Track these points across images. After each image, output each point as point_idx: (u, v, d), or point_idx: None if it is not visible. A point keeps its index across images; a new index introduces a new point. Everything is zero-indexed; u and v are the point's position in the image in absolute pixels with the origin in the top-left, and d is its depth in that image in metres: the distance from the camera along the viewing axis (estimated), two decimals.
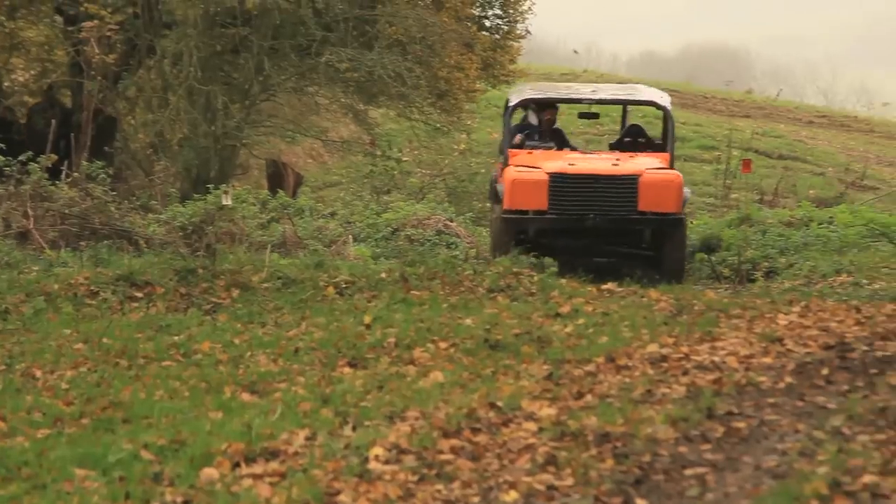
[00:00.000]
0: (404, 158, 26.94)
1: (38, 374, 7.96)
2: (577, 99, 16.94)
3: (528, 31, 28.71)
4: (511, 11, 28.16)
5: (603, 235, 14.48)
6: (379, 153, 25.49)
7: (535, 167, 14.72)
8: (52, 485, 5.77)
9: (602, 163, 15.05)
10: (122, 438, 6.40)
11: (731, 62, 58.60)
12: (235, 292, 10.61)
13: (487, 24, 28.55)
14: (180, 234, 15.20)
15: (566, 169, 14.58)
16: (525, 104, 16.35)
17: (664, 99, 16.43)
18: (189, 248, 12.54)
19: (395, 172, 26.28)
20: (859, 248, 17.42)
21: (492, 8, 28.42)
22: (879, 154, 35.54)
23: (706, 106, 41.19)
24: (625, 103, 17.85)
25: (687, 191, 14.86)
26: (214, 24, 23.72)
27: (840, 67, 56.89)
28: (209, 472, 5.96)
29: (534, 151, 15.36)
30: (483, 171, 30.87)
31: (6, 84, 22.87)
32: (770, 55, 63.68)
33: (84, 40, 22.34)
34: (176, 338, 9.11)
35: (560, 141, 16.10)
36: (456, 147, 30.32)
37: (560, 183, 14.38)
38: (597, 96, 16.90)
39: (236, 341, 9.06)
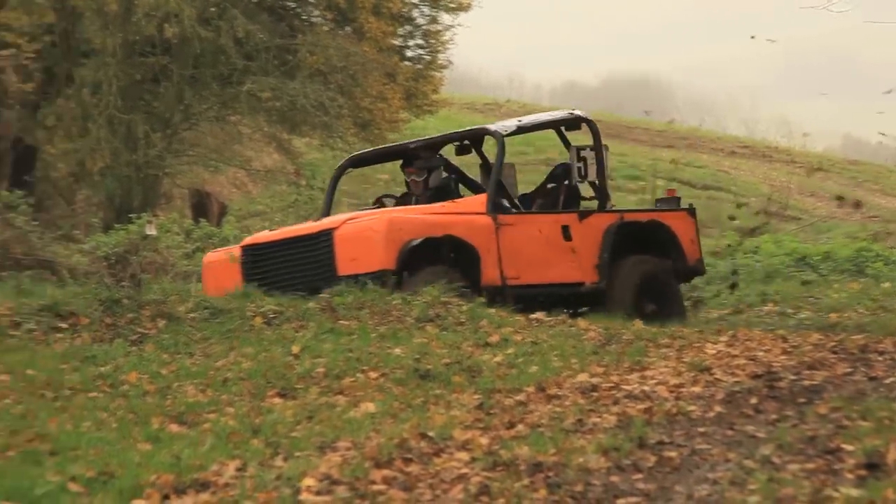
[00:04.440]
0: None
1: None
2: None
3: (449, 62, 28.84)
4: (433, 42, 28.28)
5: None
6: (303, 183, 25.46)
7: None
8: None
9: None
10: (49, 471, 6.30)
11: (653, 92, 59.08)
12: (162, 322, 10.50)
13: (409, 54, 28.66)
14: (104, 264, 15.08)
15: (259, 238, 13.13)
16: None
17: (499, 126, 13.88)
18: (113, 279, 12.40)
19: (320, 202, 26.26)
20: (784, 277, 17.60)
21: (413, 38, 28.52)
22: (800, 184, 35.94)
23: (630, 136, 41.49)
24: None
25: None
26: (134, 52, 23.64)
27: (760, 98, 57.57)
28: None
29: None
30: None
31: None
32: (691, 85, 64.35)
33: (1, 69, 22.14)
34: (102, 369, 8.99)
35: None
36: (381, 178, 30.34)
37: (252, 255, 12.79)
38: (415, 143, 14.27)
39: (163, 372, 8.96)
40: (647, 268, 13.52)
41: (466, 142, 14.39)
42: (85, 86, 23.88)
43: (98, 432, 7.30)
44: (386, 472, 6.39)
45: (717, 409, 7.70)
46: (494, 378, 8.77)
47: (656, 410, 7.59)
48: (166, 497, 6.01)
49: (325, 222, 12.84)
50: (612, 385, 8.43)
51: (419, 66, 28.77)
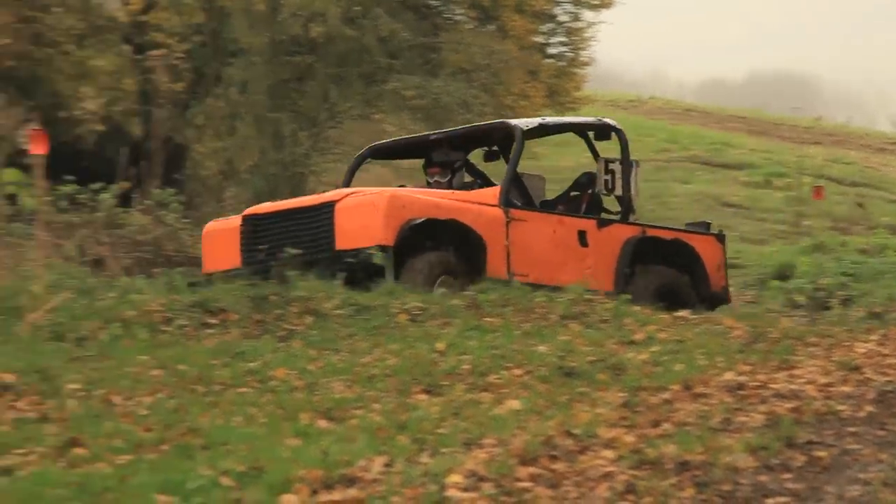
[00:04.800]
0: None
1: (117, 400, 7.99)
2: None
3: (592, 59, 28.78)
4: (575, 39, 28.24)
5: None
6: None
7: None
8: None
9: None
10: (201, 465, 6.40)
11: (800, 88, 58.23)
12: (309, 319, 10.61)
13: (552, 51, 28.65)
14: None
15: (260, 209, 12.98)
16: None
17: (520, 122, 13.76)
18: (261, 275, 12.53)
19: None
20: None
21: (556, 35, 28.51)
22: None
23: (775, 133, 41.02)
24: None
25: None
26: (280, 52, 23.95)
27: None
28: (289, 499, 5.94)
29: None
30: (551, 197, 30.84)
31: (76, 112, 23.11)
32: (839, 81, 63.31)
33: (152, 69, 22.60)
34: (251, 364, 9.10)
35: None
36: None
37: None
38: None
39: (311, 368, 9.05)
40: (666, 279, 13.25)
41: (495, 147, 14.23)
42: (233, 85, 24.27)
43: (248, 427, 7.39)
44: (532, 469, 6.40)
45: (868, 408, 7.59)
46: (639, 376, 8.73)
47: (805, 409, 7.51)
48: (315, 492, 6.07)
49: (328, 195, 12.71)
50: (759, 384, 8.34)
51: (561, 64, 28.75)
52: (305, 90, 24.80)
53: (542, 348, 9.58)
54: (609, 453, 6.65)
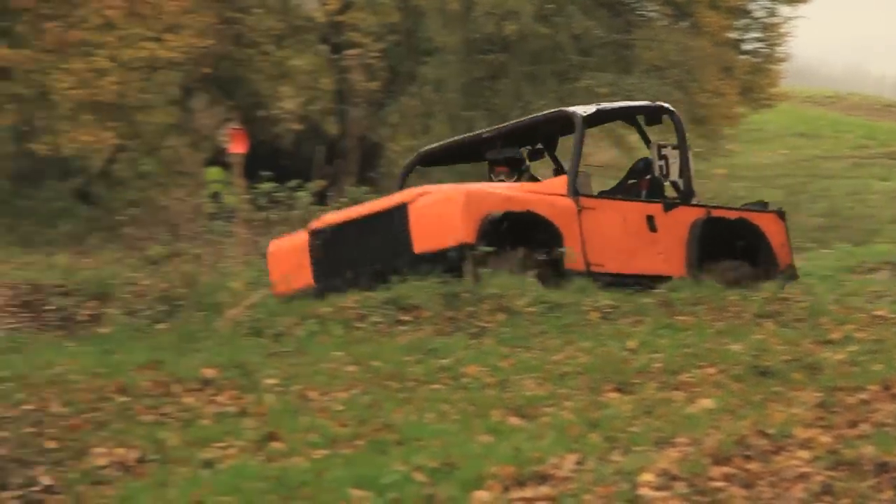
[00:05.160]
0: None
1: (313, 395, 8.14)
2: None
3: (788, 54, 28.36)
4: (771, 34, 27.87)
5: None
6: None
7: None
8: None
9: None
10: (394, 460, 6.49)
11: None
12: (500, 316, 10.65)
13: (746, 47, 28.32)
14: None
15: (328, 220, 12.46)
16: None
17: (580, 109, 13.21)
18: (454, 273, 12.62)
19: None
20: None
21: (751, 31, 28.18)
22: None
23: None
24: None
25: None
26: (473, 50, 24.12)
27: None
28: (481, 495, 5.99)
29: None
30: (743, 195, 30.50)
31: (275, 112, 23.58)
32: None
33: (348, 68, 22.96)
34: (443, 361, 9.17)
35: None
36: (716, 172, 30.06)
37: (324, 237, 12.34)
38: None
39: (502, 365, 9.08)
40: (742, 272, 12.88)
41: (539, 146, 13.89)
42: (427, 83, 24.52)
43: (440, 423, 7.46)
44: (725, 468, 6.35)
45: None
46: (836, 376, 8.58)
47: None
48: (507, 489, 6.10)
49: (396, 196, 12.20)
50: None
51: (757, 60, 28.39)
52: (499, 88, 24.93)
53: (735, 347, 9.48)
54: (805, 454, 6.57)
